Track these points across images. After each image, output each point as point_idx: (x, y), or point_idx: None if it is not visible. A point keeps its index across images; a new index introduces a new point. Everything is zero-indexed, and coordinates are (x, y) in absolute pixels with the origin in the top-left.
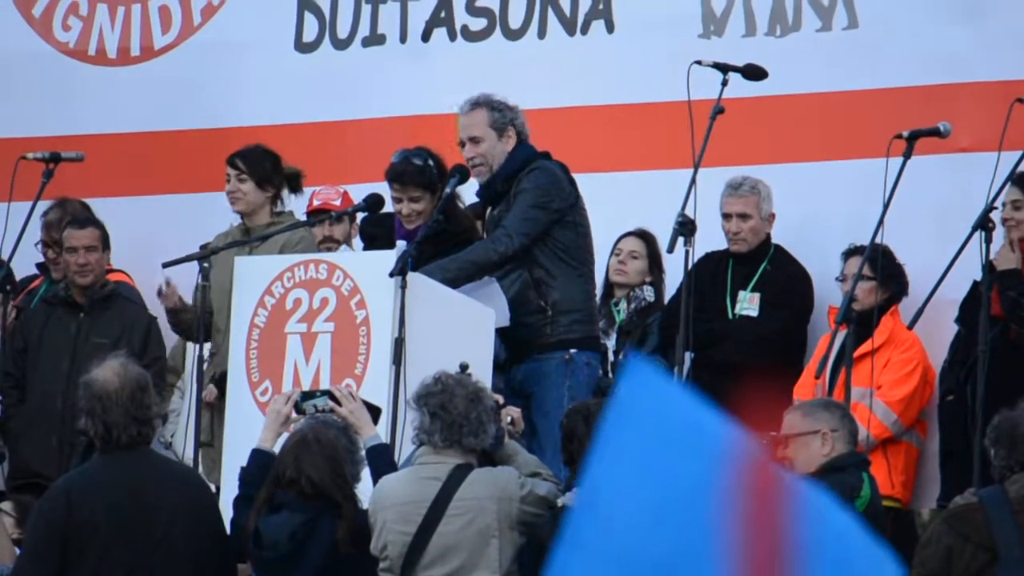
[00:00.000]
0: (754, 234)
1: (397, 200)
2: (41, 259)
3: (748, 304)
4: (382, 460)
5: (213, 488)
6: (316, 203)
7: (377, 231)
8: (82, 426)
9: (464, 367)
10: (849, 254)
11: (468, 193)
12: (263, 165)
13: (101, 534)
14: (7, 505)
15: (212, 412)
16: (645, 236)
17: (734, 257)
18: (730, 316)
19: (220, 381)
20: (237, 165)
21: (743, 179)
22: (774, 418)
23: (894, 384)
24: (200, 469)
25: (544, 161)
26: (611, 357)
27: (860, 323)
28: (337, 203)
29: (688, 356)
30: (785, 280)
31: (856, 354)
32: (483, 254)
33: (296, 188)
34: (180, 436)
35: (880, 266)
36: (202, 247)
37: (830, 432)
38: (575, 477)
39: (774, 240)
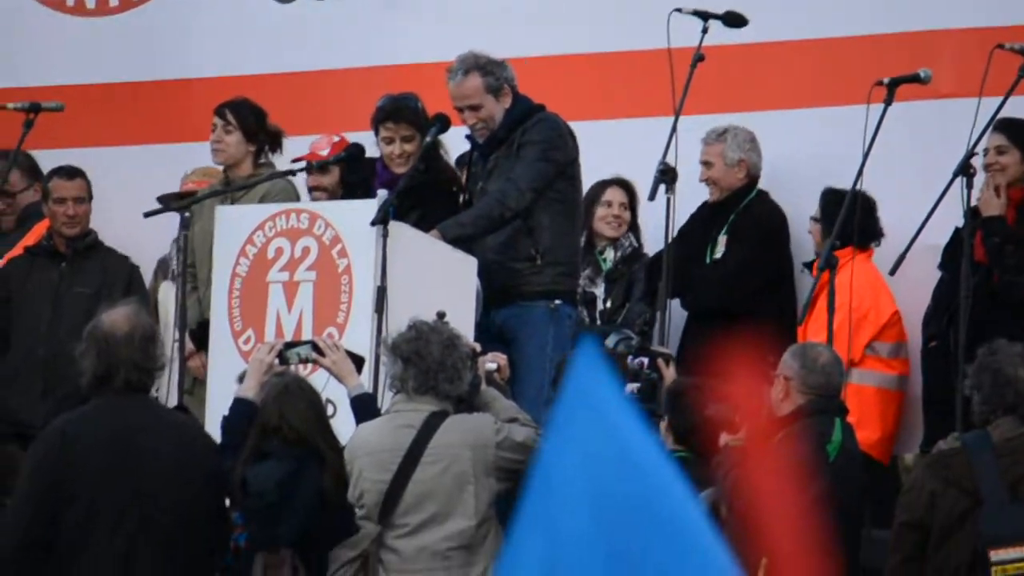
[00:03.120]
0: (721, 180)
1: (388, 141)
2: None
3: (721, 248)
4: (366, 409)
5: None
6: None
7: (354, 179)
8: (81, 368)
9: (441, 315)
10: (825, 196)
11: (451, 140)
12: (250, 119)
13: (94, 477)
14: None
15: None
16: (626, 185)
17: (717, 204)
18: (707, 262)
19: (194, 332)
20: (225, 116)
21: (714, 128)
22: (751, 361)
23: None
24: None
25: (547, 113)
26: (599, 305)
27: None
28: (325, 152)
29: (670, 303)
30: (751, 219)
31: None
32: (495, 208)
33: (276, 147)
34: (163, 387)
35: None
36: (180, 196)
37: (786, 379)
38: None
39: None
